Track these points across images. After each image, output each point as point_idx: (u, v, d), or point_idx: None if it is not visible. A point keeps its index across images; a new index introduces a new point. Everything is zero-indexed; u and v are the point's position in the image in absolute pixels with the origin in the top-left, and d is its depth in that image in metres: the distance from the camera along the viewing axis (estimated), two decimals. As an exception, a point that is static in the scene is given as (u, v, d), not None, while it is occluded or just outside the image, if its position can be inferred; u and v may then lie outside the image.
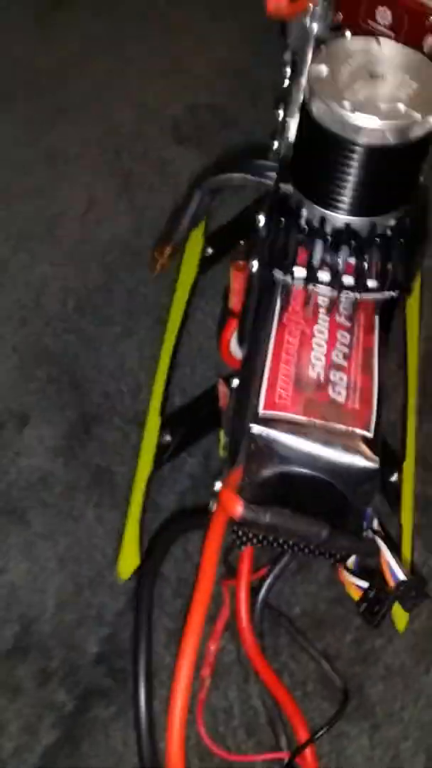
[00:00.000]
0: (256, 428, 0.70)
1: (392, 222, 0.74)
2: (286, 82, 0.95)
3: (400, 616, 1.10)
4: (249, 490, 0.72)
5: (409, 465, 1.20)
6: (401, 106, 0.66)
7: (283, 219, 0.75)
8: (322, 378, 0.74)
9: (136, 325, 1.35)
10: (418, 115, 0.66)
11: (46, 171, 1.55)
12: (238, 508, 0.69)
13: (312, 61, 0.70)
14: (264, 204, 0.80)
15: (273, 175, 0.80)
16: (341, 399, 0.73)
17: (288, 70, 0.99)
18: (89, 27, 1.81)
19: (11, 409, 1.24)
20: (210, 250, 1.38)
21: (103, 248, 1.45)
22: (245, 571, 0.85)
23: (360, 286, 0.74)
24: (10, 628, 1.07)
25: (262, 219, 0.78)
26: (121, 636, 1.08)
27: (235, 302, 0.95)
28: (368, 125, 0.66)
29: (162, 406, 1.22)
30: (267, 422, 0.71)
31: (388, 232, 0.74)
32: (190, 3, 1.86)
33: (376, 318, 0.79)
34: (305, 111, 0.70)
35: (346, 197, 0.72)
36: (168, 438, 1.17)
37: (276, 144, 0.90)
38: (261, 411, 0.71)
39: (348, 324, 0.79)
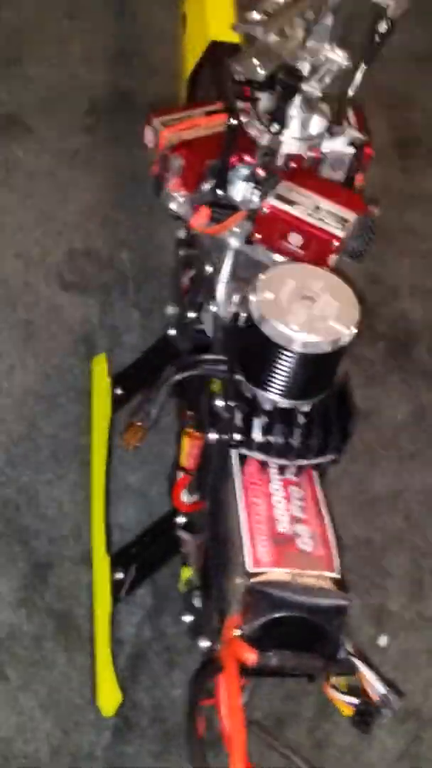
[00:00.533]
0: (250, 583, 0.87)
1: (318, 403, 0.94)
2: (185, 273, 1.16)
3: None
4: (247, 634, 0.88)
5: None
6: (332, 323, 0.87)
7: (237, 404, 0.94)
8: (288, 532, 0.92)
9: (65, 470, 1.47)
10: (346, 330, 0.87)
11: None
12: (252, 656, 0.85)
13: (258, 288, 0.89)
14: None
15: (221, 367, 0.98)
16: (309, 548, 0.92)
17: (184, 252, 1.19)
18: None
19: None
20: (119, 391, 1.53)
21: (18, 400, 1.56)
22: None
23: (311, 453, 0.94)
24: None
25: (220, 403, 0.95)
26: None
27: (189, 462, 1.12)
28: (310, 340, 0.86)
29: (106, 545, 1.35)
30: (257, 576, 0.88)
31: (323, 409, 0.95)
32: (49, 151, 2.02)
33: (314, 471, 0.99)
34: (254, 326, 0.89)
35: (289, 385, 0.91)
36: (121, 575, 1.30)
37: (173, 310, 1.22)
38: (251, 568, 0.88)
39: (296, 479, 0.98)
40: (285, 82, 0.98)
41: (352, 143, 1.06)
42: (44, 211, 1.89)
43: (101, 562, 1.33)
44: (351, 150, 1.06)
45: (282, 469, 0.97)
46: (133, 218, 1.88)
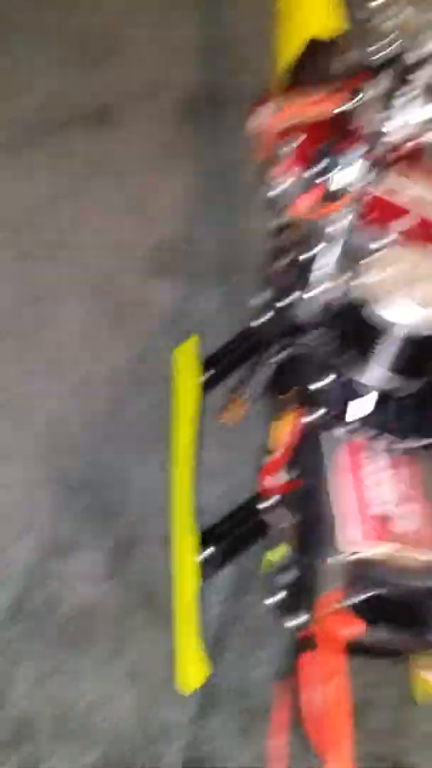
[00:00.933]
0: (354, 558, 0.88)
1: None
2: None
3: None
4: (352, 607, 0.89)
5: None
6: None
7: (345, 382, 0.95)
8: (392, 510, 0.93)
9: (152, 450, 1.50)
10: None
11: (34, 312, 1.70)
12: (361, 628, 0.86)
13: (371, 269, 0.90)
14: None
15: (327, 347, 0.99)
16: (413, 527, 0.92)
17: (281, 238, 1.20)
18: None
19: (56, 539, 1.37)
20: (209, 374, 1.55)
21: (107, 381, 1.60)
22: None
23: (418, 433, 0.95)
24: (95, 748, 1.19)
25: (327, 380, 0.97)
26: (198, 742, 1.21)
27: (286, 443, 1.13)
28: (422, 320, 0.87)
29: (191, 524, 1.37)
30: (358, 553, 0.89)
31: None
32: (140, 143, 2.06)
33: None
34: (364, 308, 0.90)
35: (399, 364, 0.92)
36: (208, 554, 1.31)
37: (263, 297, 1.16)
38: (351, 546, 0.89)
39: (403, 460, 0.98)
40: (400, 68, 0.99)
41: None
42: (135, 201, 1.93)
43: (186, 540, 1.35)
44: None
45: (389, 449, 0.98)
46: (221, 209, 1.91)
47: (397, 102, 1.03)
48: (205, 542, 1.33)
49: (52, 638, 1.28)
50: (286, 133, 1.07)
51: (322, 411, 0.98)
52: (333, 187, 1.07)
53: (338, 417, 0.96)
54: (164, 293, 1.76)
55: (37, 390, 1.58)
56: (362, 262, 0.92)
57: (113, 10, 2.38)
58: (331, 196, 1.06)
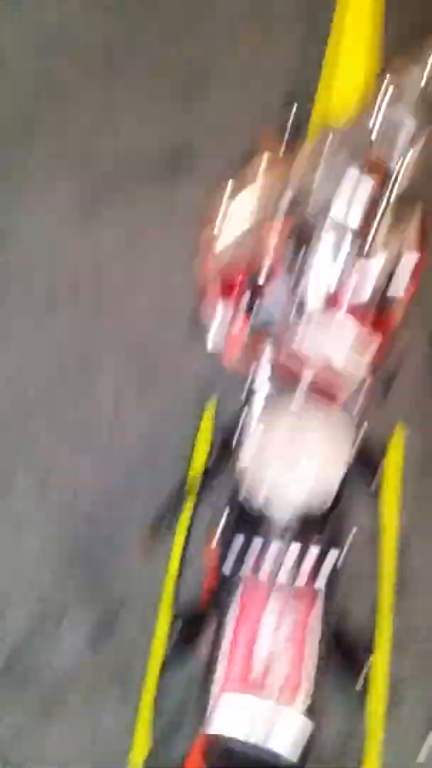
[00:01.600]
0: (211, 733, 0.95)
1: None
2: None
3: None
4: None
5: (381, 660, 1.39)
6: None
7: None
8: (264, 659, 0.98)
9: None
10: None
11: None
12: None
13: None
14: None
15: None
16: (280, 678, 0.97)
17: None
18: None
19: (46, 607, 1.50)
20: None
21: (126, 449, 1.69)
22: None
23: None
24: None
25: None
26: None
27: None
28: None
29: (173, 603, 1.45)
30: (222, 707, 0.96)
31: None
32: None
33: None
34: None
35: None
36: (177, 633, 1.38)
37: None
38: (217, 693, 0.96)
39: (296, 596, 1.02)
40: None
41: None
42: (194, 253, 1.97)
43: (164, 618, 1.44)
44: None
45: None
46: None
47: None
48: (177, 620, 1.41)
49: (30, 703, 1.42)
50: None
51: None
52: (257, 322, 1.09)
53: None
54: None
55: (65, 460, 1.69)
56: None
57: (207, 39, 2.35)
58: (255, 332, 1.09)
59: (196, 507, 1.55)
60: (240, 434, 1.11)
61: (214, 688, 0.99)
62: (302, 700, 0.97)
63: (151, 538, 1.19)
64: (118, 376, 1.81)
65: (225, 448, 1.58)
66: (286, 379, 1.05)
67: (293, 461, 0.97)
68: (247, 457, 0.97)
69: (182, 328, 1.84)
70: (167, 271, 1.97)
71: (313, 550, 1.03)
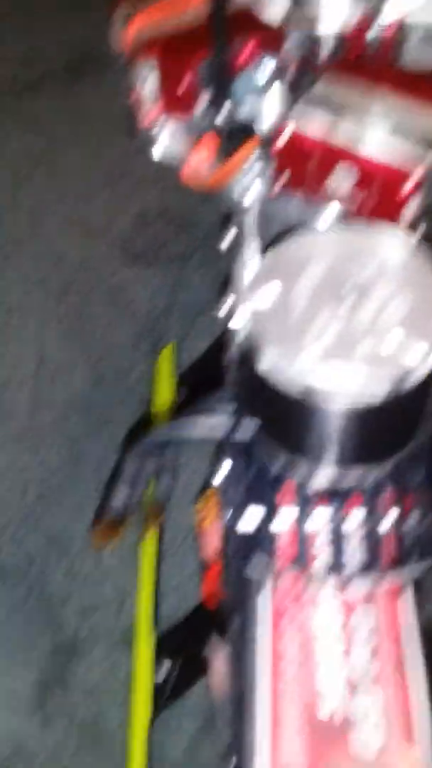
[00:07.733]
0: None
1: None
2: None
3: None
4: None
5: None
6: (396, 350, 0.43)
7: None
8: (338, 711, 0.50)
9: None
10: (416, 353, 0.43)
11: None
12: None
13: (251, 287, 0.48)
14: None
15: (218, 425, 0.57)
16: (373, 739, 0.49)
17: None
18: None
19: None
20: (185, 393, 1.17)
21: (61, 416, 1.22)
22: None
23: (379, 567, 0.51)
24: None
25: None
26: None
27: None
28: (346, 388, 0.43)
29: (153, 623, 0.99)
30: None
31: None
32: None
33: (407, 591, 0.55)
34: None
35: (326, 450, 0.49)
36: (166, 672, 0.93)
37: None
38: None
39: (364, 602, 0.55)
40: None
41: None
42: (114, 169, 1.53)
43: (145, 647, 0.98)
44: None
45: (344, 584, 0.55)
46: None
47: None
48: (163, 652, 0.95)
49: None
50: (150, 47, 0.64)
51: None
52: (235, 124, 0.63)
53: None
54: (141, 285, 1.36)
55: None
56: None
57: None
58: (235, 140, 0.64)
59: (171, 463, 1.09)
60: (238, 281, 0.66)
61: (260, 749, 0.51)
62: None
63: (108, 525, 0.70)
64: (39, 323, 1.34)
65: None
66: (299, 182, 0.59)
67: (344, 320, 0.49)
68: (256, 317, 0.49)
69: (111, 254, 1.41)
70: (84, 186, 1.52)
71: (392, 512, 0.55)
